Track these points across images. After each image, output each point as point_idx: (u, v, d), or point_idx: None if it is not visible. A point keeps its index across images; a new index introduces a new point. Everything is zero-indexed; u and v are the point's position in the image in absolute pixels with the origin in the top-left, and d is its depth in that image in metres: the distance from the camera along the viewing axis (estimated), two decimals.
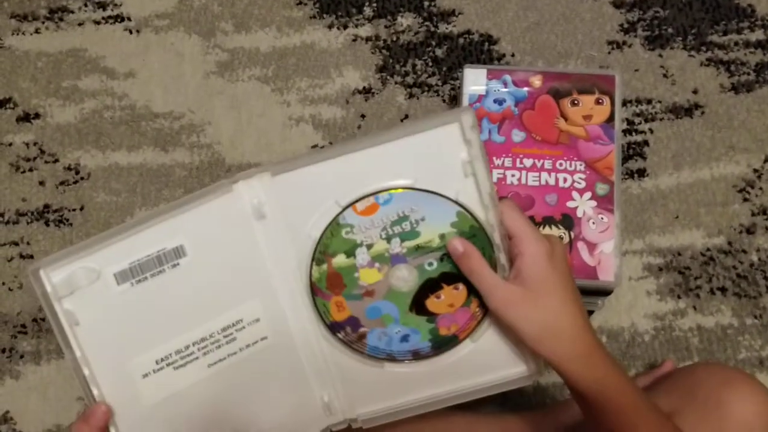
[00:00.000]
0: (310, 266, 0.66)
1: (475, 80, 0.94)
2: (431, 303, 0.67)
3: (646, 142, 1.12)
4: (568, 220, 0.88)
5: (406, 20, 1.21)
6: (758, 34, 1.17)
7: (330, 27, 1.21)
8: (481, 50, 1.19)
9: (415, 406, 0.69)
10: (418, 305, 0.67)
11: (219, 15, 1.23)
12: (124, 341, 0.63)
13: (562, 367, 0.62)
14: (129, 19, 1.23)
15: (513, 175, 0.90)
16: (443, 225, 0.65)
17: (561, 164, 0.90)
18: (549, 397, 1.02)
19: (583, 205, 0.88)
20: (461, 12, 1.21)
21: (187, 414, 0.66)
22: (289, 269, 0.66)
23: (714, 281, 1.06)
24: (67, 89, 1.19)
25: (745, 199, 1.09)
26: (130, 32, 1.22)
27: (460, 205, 0.64)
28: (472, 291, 0.65)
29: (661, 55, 1.17)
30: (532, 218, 0.87)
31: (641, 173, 1.11)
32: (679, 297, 1.05)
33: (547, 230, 0.87)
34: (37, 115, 1.18)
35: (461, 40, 1.19)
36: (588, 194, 0.89)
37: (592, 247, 0.87)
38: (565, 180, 0.89)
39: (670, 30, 1.18)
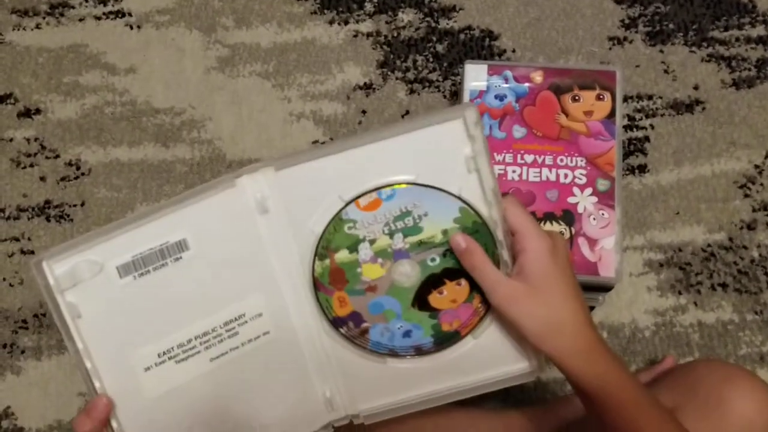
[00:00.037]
0: (312, 261, 0.66)
1: (476, 76, 0.94)
2: (434, 299, 0.67)
3: (647, 138, 1.12)
4: (569, 216, 0.88)
5: (406, 16, 1.21)
6: (759, 30, 1.17)
7: (331, 23, 1.21)
8: (482, 46, 1.19)
9: (417, 401, 0.69)
10: (420, 301, 0.67)
11: (220, 10, 1.23)
12: (127, 334, 0.63)
13: (564, 363, 0.62)
14: (130, 14, 1.23)
15: (514, 171, 0.90)
16: (446, 221, 0.65)
17: (562, 160, 0.90)
18: (550, 392, 1.02)
19: (584, 201, 0.88)
20: (462, 8, 1.21)
21: (189, 408, 0.66)
22: (291, 264, 0.66)
23: (715, 277, 1.06)
24: (68, 85, 1.19)
25: (746, 195, 1.09)
26: (131, 28, 1.22)
27: (463, 201, 0.64)
28: (475, 287, 0.65)
29: (662, 51, 1.17)
30: (533, 214, 0.87)
31: (642, 169, 1.11)
32: (679, 293, 1.05)
33: (547, 226, 0.87)
34: (38, 111, 1.18)
35: (462, 36, 1.19)
36: (589, 190, 0.89)
37: (592, 242, 0.87)
38: (566, 176, 0.89)
39: (671, 26, 1.18)
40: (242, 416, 0.68)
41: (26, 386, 1.05)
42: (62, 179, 1.14)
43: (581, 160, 0.90)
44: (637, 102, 1.14)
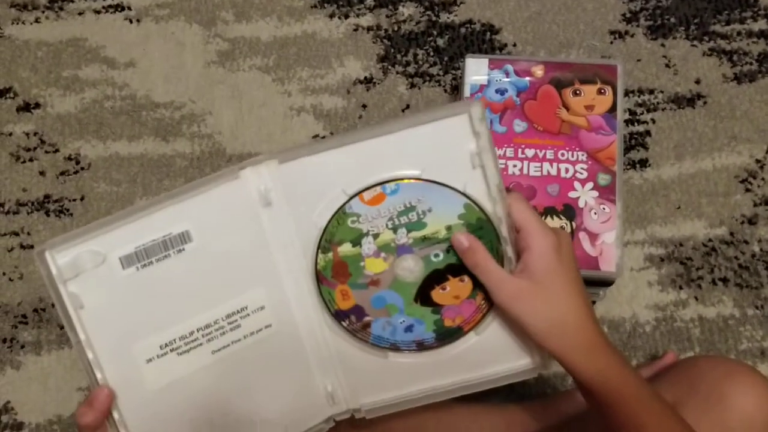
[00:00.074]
0: (315, 254, 0.66)
1: (476, 70, 0.94)
2: (436, 294, 0.67)
3: (648, 132, 1.12)
4: (570, 211, 0.88)
5: (407, 10, 1.21)
6: (761, 24, 1.17)
7: (331, 16, 1.21)
8: (482, 40, 1.18)
9: (419, 396, 0.69)
10: (423, 296, 0.67)
11: (219, 4, 1.22)
12: (129, 325, 0.63)
13: (566, 359, 0.62)
14: (129, 8, 1.23)
15: (515, 166, 0.90)
16: (450, 216, 0.64)
17: (563, 154, 0.90)
18: (550, 387, 1.02)
19: (585, 196, 0.88)
20: (463, 1, 1.21)
21: (190, 400, 0.66)
22: (294, 257, 0.66)
23: (715, 272, 1.06)
24: (68, 79, 1.19)
25: (747, 190, 1.09)
26: (131, 21, 1.22)
27: (468, 197, 0.64)
28: (478, 283, 0.65)
29: (663, 45, 1.16)
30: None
31: (643, 163, 1.11)
32: (680, 288, 1.05)
33: (548, 221, 0.87)
34: (37, 105, 1.18)
35: (463, 30, 1.19)
36: (590, 184, 0.89)
37: (593, 237, 0.87)
38: (566, 170, 0.89)
39: (672, 20, 1.18)
40: (243, 409, 0.68)
41: (26, 381, 1.05)
42: (62, 173, 1.14)
43: (582, 155, 0.90)
44: (639, 96, 1.14)
